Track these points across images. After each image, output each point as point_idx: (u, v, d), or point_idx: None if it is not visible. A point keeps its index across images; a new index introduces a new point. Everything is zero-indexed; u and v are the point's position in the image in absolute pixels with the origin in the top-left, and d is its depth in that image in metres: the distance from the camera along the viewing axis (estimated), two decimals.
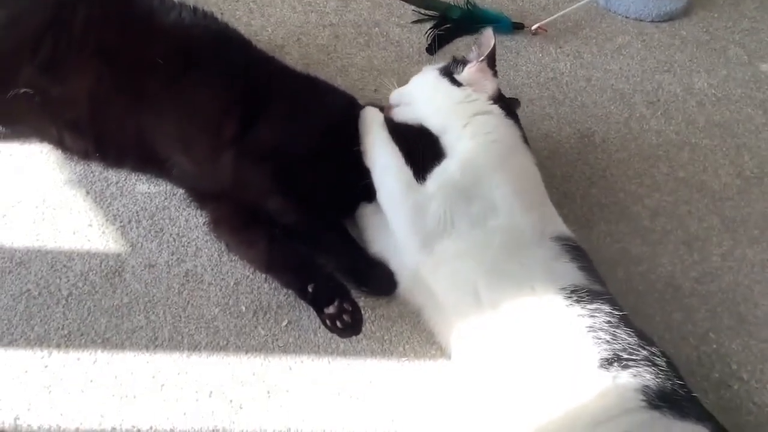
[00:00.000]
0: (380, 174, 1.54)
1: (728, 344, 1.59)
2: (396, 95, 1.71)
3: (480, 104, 1.60)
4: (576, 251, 1.43)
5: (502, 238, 1.41)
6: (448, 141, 1.55)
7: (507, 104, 1.66)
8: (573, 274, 1.38)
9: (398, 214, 1.49)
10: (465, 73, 1.65)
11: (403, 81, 1.75)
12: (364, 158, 1.57)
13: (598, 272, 1.42)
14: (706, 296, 1.68)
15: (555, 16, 2.37)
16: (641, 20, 2.49)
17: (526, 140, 1.62)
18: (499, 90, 1.66)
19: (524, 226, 1.43)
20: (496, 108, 1.60)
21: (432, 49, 2.22)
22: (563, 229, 1.49)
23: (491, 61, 1.67)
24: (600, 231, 1.79)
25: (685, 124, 2.13)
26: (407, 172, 1.51)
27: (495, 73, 1.68)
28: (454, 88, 1.62)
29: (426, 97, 1.65)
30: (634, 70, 2.29)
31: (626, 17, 2.50)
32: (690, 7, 2.58)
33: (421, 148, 1.55)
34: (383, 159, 1.55)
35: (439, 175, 1.49)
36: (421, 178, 1.50)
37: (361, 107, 1.71)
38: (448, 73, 1.66)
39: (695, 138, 2.09)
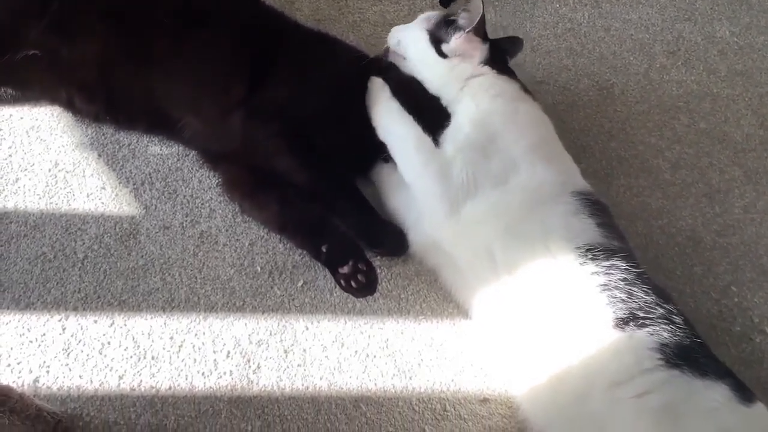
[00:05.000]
0: (398, 145, 1.51)
1: (750, 297, 1.57)
2: (394, 37, 1.68)
3: (469, 69, 1.57)
4: (596, 206, 1.40)
5: (522, 197, 1.38)
6: (448, 105, 1.54)
7: (500, 64, 1.62)
8: (591, 231, 1.35)
9: (423, 184, 1.46)
10: (452, 44, 1.60)
11: None
12: (377, 131, 1.54)
13: (617, 227, 1.40)
14: (727, 249, 1.66)
15: None
16: None
17: (527, 90, 1.59)
18: (489, 54, 1.61)
19: (545, 180, 1.40)
20: (486, 69, 1.58)
21: (446, 1, 2.17)
22: (583, 183, 1.47)
23: (479, 29, 1.60)
24: (619, 185, 1.76)
25: (706, 73, 2.07)
26: (426, 139, 1.48)
27: (485, 39, 1.62)
28: (440, 60, 1.59)
29: (418, 61, 1.62)
30: (653, 19, 2.23)
31: None
32: None
33: (427, 108, 1.53)
34: (399, 130, 1.52)
35: (453, 136, 1.47)
36: (435, 141, 1.48)
37: (372, 61, 1.68)
38: (437, 39, 1.61)
39: (717, 88, 2.04)
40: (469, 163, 1.42)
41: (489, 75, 1.57)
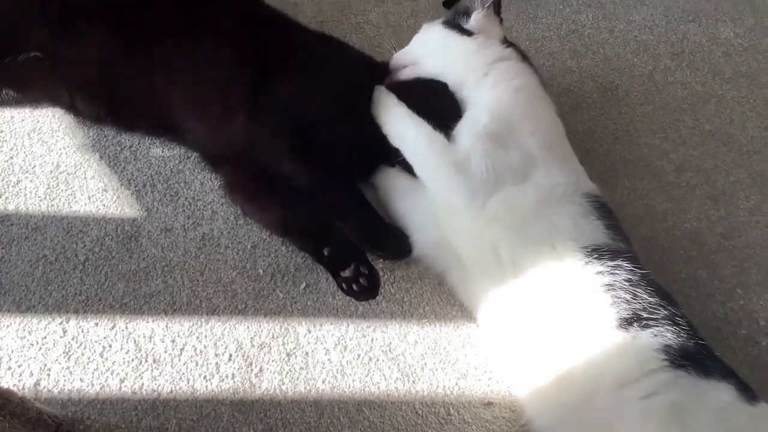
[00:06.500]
0: (412, 148, 1.49)
1: (756, 300, 1.56)
2: (398, 58, 1.67)
3: (496, 50, 1.57)
4: (604, 209, 1.39)
5: (536, 195, 1.37)
6: (467, 93, 1.53)
7: (519, 48, 1.64)
8: (599, 232, 1.34)
9: (441, 180, 1.44)
10: (473, 20, 1.62)
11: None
12: (390, 139, 1.52)
13: (624, 230, 1.39)
14: (732, 252, 1.65)
15: None
16: None
17: (544, 84, 1.59)
18: (505, 37, 1.65)
19: (560, 180, 1.39)
20: (511, 53, 1.59)
21: (449, 2, 2.16)
22: (592, 184, 1.46)
23: (497, 7, 1.65)
24: (624, 187, 1.75)
25: (711, 75, 2.06)
26: (439, 136, 1.46)
27: (501, 21, 1.66)
28: (465, 38, 1.59)
29: (435, 51, 1.61)
30: (658, 20, 2.22)
31: None
32: None
33: (436, 109, 1.52)
34: (410, 132, 1.50)
35: (470, 128, 1.45)
36: (448, 138, 1.46)
37: (376, 65, 1.68)
38: (454, 24, 1.63)
39: (721, 90, 2.03)
40: (487, 154, 1.40)
41: (513, 61, 1.57)
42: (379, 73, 1.66)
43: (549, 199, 1.37)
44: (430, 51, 1.63)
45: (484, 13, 1.62)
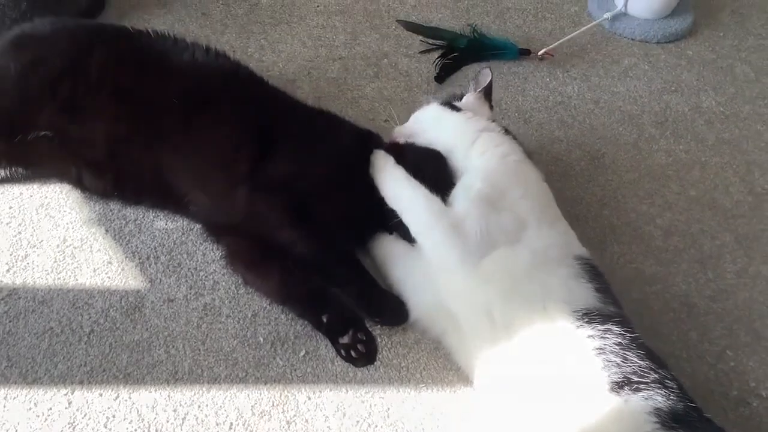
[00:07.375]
0: (408, 208, 1.54)
1: (746, 361, 1.59)
2: (397, 132, 1.76)
3: (482, 122, 1.68)
4: (594, 272, 1.43)
5: (529, 257, 1.41)
6: (458, 160, 1.61)
7: (503, 125, 1.73)
8: (589, 295, 1.37)
9: (437, 240, 1.47)
10: (464, 100, 1.78)
11: (411, 109, 1.80)
12: (387, 200, 1.58)
13: (614, 294, 1.42)
14: (721, 314, 1.68)
15: (561, 40, 2.40)
16: (647, 42, 2.51)
17: (529, 154, 1.66)
18: (494, 119, 1.75)
19: (552, 242, 1.45)
20: (496, 125, 1.68)
21: (440, 77, 2.26)
22: (582, 248, 1.50)
23: (488, 94, 1.79)
24: (613, 252, 1.79)
25: (694, 142, 2.14)
26: (435, 199, 1.51)
27: (491, 107, 1.79)
28: (455, 113, 1.71)
29: (430, 124, 1.72)
30: (641, 91, 2.31)
31: (632, 39, 2.52)
32: (695, 27, 2.60)
33: (432, 174, 1.58)
34: (407, 193, 1.56)
35: (464, 192, 1.51)
36: (444, 202, 1.52)
37: (370, 136, 1.75)
38: (448, 103, 1.76)
39: (705, 156, 2.09)
40: (482, 216, 1.45)
41: (498, 132, 1.66)
42: (373, 144, 1.72)
43: (541, 260, 1.41)
44: (426, 124, 1.72)
45: (475, 95, 1.77)
